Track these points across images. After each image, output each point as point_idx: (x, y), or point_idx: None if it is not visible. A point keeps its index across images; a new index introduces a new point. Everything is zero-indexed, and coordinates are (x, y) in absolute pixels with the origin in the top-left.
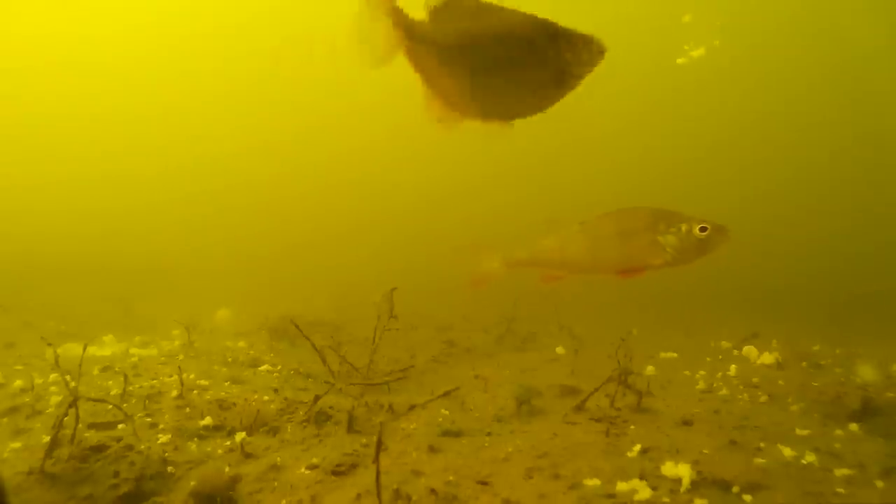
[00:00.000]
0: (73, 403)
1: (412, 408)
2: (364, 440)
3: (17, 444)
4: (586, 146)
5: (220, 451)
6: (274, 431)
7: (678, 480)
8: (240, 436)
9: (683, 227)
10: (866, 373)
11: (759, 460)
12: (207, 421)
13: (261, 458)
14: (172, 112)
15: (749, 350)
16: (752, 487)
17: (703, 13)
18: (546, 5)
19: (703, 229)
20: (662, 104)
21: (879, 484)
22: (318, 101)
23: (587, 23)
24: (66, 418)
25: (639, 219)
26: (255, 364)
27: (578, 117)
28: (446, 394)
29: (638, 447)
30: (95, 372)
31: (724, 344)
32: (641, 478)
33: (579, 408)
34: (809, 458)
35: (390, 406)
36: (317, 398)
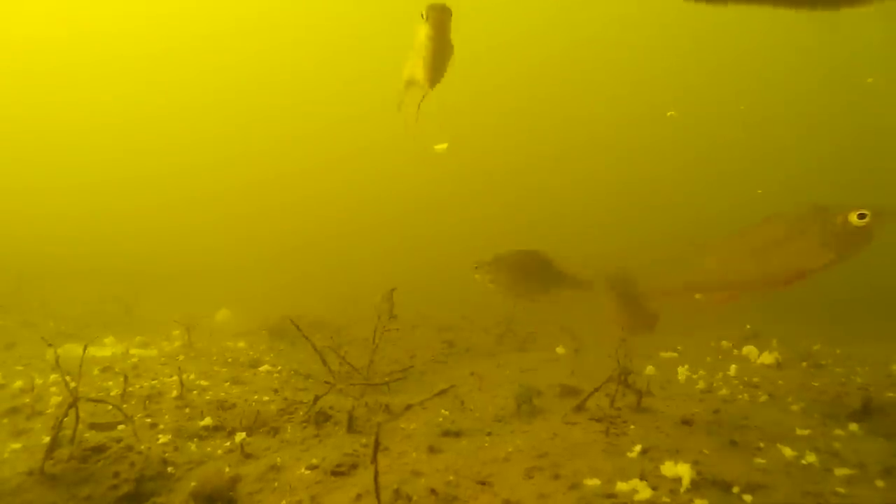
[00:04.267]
0: (74, 404)
1: (408, 407)
2: (364, 440)
3: (17, 445)
4: (571, 144)
5: (219, 452)
6: (274, 432)
7: (678, 480)
8: (240, 436)
9: (839, 219)
10: (866, 372)
11: (759, 460)
12: (207, 421)
13: (261, 459)
14: (173, 113)
15: (749, 350)
16: (752, 487)
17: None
18: None
19: (861, 216)
20: (663, 104)
21: (880, 484)
22: (318, 103)
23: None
24: (66, 419)
25: (791, 222)
26: (255, 364)
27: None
28: (442, 392)
29: (638, 447)
30: (95, 372)
31: (724, 344)
32: (641, 478)
33: (579, 408)
34: (810, 457)
35: (387, 406)
36: (317, 398)
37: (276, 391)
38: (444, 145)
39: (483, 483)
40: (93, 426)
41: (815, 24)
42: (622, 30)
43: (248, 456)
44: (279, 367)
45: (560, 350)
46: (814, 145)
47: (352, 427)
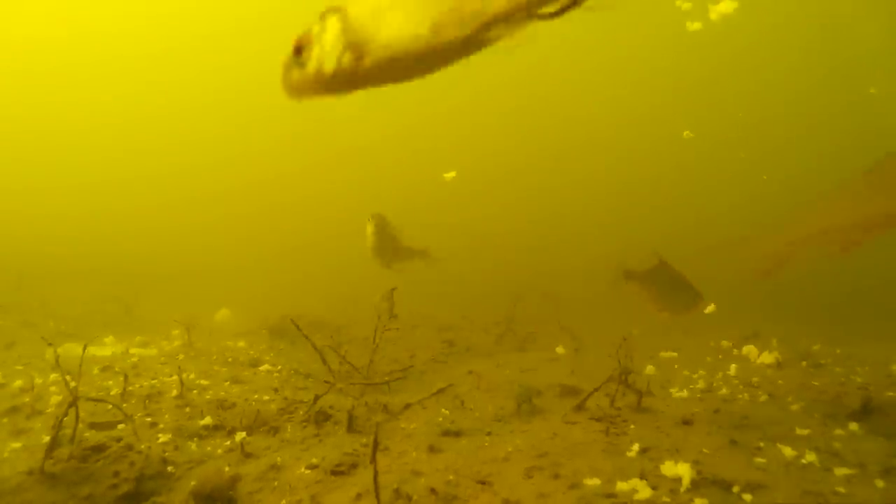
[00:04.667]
0: (73, 403)
1: (408, 406)
2: (364, 440)
3: (17, 444)
4: (570, 143)
5: (220, 451)
6: (274, 431)
7: (678, 480)
8: (240, 435)
9: None
10: (866, 372)
11: (759, 460)
12: (207, 421)
13: (261, 458)
14: (173, 113)
15: (749, 349)
16: (752, 487)
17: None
18: None
19: None
20: (663, 105)
21: (880, 483)
22: (318, 103)
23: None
24: (66, 418)
25: None
26: (255, 364)
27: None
28: (441, 391)
29: (638, 447)
30: (95, 372)
31: (724, 343)
32: (641, 477)
33: (579, 407)
34: (810, 457)
35: (385, 406)
36: (317, 398)
37: (276, 390)
38: (453, 173)
39: (483, 482)
40: (93, 425)
41: (817, 27)
42: (622, 29)
43: (248, 455)
44: (279, 367)
45: (560, 350)
46: (814, 147)
47: (352, 426)
